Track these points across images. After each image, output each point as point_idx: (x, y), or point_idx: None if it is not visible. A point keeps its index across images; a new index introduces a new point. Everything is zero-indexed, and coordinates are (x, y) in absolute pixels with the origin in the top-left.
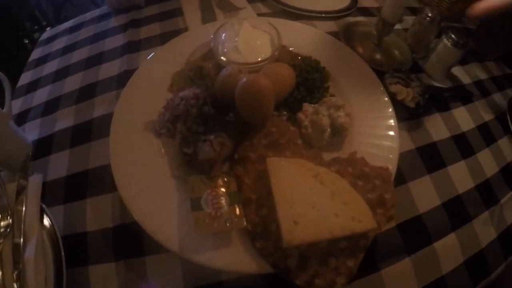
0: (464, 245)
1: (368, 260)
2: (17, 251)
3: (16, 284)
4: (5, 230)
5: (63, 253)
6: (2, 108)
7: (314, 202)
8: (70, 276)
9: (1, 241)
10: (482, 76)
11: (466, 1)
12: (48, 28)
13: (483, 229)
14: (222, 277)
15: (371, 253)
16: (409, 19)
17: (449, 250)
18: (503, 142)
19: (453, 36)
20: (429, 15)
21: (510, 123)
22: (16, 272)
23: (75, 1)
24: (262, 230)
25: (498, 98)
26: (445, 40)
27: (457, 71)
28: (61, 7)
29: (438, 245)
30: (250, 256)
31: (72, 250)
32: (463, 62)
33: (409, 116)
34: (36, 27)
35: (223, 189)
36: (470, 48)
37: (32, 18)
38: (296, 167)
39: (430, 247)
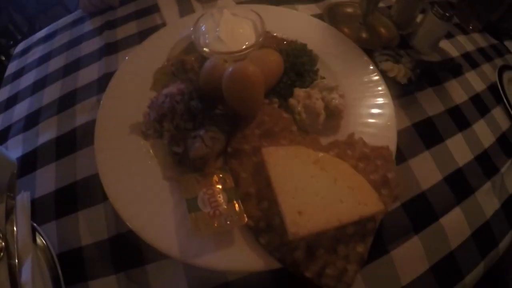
0: (469, 217)
1: (376, 243)
2: (14, 274)
3: None
4: None
5: (60, 271)
6: None
7: (317, 190)
8: None
9: None
10: (469, 48)
11: None
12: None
13: (487, 200)
14: (229, 278)
15: (378, 235)
16: None
17: (455, 224)
18: (496, 112)
19: (439, 9)
20: None
21: (501, 92)
22: None
23: (49, 12)
24: (265, 225)
25: (487, 68)
26: (431, 14)
27: (444, 44)
28: (35, 19)
29: (445, 220)
30: (255, 253)
31: (70, 267)
32: (448, 35)
33: (402, 93)
34: (11, 42)
35: (219, 186)
36: (455, 21)
37: (6, 33)
38: (294, 155)
39: (436, 223)
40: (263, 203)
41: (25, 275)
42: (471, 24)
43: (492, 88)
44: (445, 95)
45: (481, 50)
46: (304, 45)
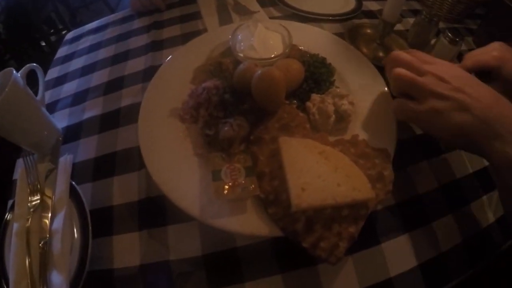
0: (462, 226)
1: (370, 234)
2: (44, 225)
3: (40, 253)
4: (34, 207)
5: (89, 224)
6: (36, 96)
7: (319, 173)
8: (96, 245)
9: (29, 217)
10: None
11: (467, 2)
12: (64, 32)
13: (481, 212)
14: (237, 244)
15: (372, 228)
16: (411, 20)
17: (447, 230)
18: None
19: (449, 34)
20: (427, 16)
21: None
22: (41, 243)
23: (91, 6)
24: (274, 198)
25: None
26: (442, 39)
27: None
28: (77, 12)
29: (436, 224)
30: (262, 221)
31: (99, 222)
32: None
33: None
34: (52, 30)
35: (240, 164)
36: (471, 46)
37: (49, 21)
38: (304, 145)
39: (428, 226)
40: (274, 181)
41: (57, 224)
42: None
43: None
44: None
45: None
46: (324, 59)
